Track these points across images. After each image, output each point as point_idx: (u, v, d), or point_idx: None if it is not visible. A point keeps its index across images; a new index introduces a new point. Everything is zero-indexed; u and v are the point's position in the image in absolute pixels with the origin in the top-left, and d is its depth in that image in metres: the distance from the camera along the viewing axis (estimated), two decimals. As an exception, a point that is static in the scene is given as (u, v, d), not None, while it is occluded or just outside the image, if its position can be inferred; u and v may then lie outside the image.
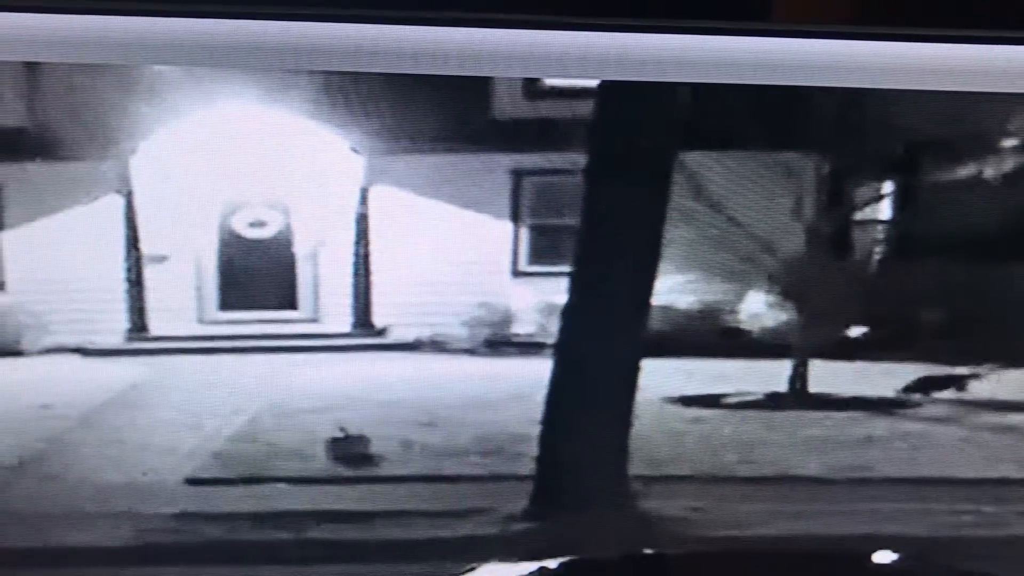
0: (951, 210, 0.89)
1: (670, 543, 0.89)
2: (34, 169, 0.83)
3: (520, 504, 0.89)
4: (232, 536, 0.88)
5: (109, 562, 0.87)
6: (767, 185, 0.88)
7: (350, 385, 0.90)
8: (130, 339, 0.88)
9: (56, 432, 0.88)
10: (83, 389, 0.88)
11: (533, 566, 0.85)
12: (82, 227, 0.85)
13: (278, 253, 0.89)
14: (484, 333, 0.90)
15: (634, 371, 0.88)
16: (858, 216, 0.91)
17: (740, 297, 0.91)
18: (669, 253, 0.87)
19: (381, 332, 0.90)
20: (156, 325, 0.88)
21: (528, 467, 0.89)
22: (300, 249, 0.89)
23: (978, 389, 0.92)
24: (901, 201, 0.90)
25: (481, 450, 0.89)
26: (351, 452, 0.89)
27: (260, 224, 0.89)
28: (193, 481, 0.88)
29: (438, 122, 0.82)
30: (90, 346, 0.88)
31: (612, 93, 0.81)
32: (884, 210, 0.91)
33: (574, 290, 0.87)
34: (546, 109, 0.84)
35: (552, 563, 0.86)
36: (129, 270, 0.86)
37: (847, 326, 0.91)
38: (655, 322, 0.88)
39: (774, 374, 0.91)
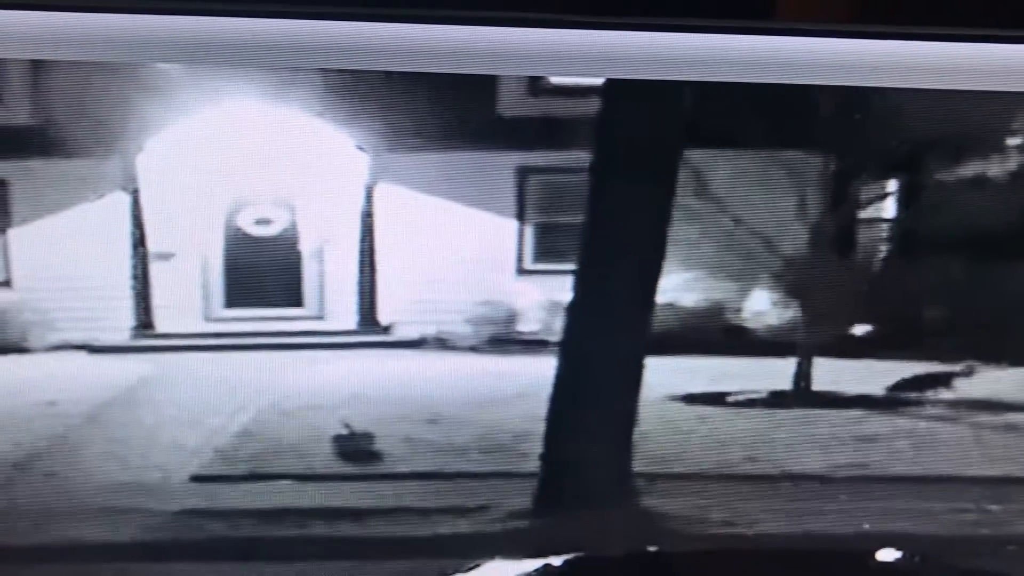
0: (956, 208, 0.89)
1: (674, 541, 0.89)
2: (40, 166, 0.83)
3: (524, 502, 0.89)
4: (237, 533, 0.88)
5: (114, 558, 0.87)
6: (771, 183, 0.88)
7: (355, 382, 0.90)
8: (136, 336, 0.88)
9: (61, 429, 0.88)
10: (89, 386, 0.88)
11: (537, 564, 0.85)
12: (88, 224, 0.85)
13: (283, 251, 0.89)
14: (489, 331, 0.90)
15: (638, 369, 0.88)
16: (862, 214, 0.91)
17: (744, 295, 0.91)
18: (673, 251, 0.87)
19: (386, 330, 0.90)
20: (162, 322, 0.88)
21: (532, 465, 0.89)
22: (305, 247, 0.89)
23: (982, 388, 0.92)
24: (905, 199, 0.90)
25: (485, 447, 0.89)
26: (355, 449, 0.89)
27: (266, 222, 0.89)
28: (198, 478, 0.88)
29: (443, 120, 0.83)
30: (96, 343, 0.88)
31: (617, 91, 0.81)
32: (888, 208, 0.91)
33: (578, 288, 0.87)
34: (551, 107, 0.84)
35: (556, 561, 0.86)
36: (135, 267, 0.86)
37: (851, 324, 0.91)
38: (659, 320, 0.89)
39: (778, 372, 0.91)
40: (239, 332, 0.89)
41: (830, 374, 0.91)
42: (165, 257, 0.87)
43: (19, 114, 0.81)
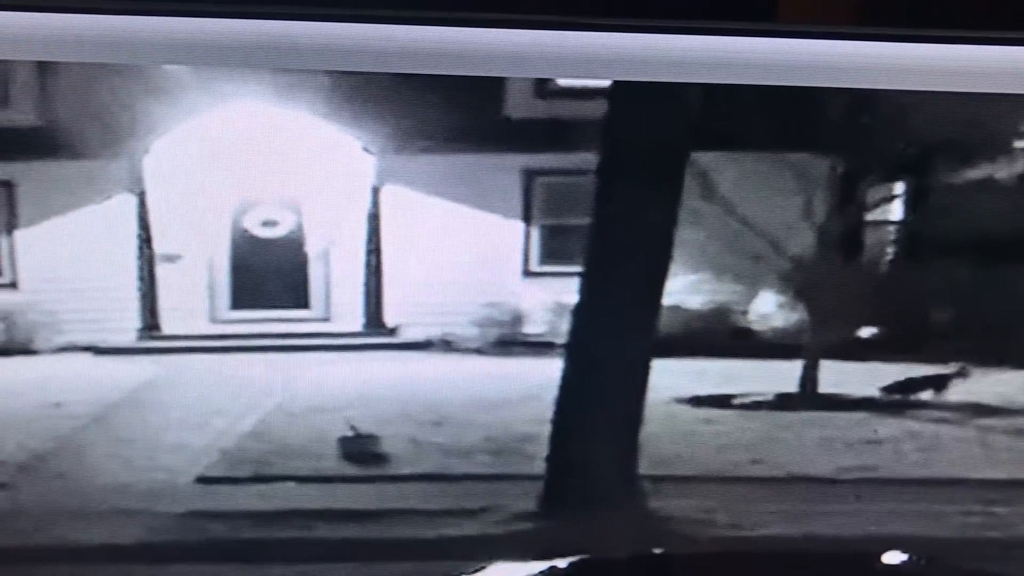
0: (962, 211, 0.89)
1: (679, 543, 0.89)
2: (47, 168, 0.83)
3: (529, 504, 0.89)
4: (242, 534, 0.88)
5: (120, 560, 0.87)
6: (778, 186, 0.88)
7: (361, 384, 0.90)
8: (142, 338, 0.88)
9: (68, 430, 0.88)
10: (95, 388, 0.88)
11: (542, 566, 0.85)
12: (95, 226, 0.85)
13: (290, 252, 0.89)
14: (494, 333, 0.90)
15: (644, 371, 0.88)
16: (869, 216, 0.91)
17: (751, 297, 0.91)
18: (680, 253, 0.87)
19: (392, 331, 0.90)
20: (168, 324, 0.88)
21: (538, 467, 0.89)
22: (312, 248, 0.89)
23: (989, 390, 0.91)
24: (913, 201, 0.90)
25: (490, 449, 0.89)
26: (361, 451, 0.89)
27: (272, 223, 0.89)
28: (204, 480, 0.88)
29: (450, 122, 0.83)
30: (102, 345, 0.88)
31: (624, 93, 0.81)
32: (895, 210, 0.91)
33: (585, 290, 0.87)
34: (558, 109, 0.84)
35: (561, 563, 0.86)
36: (141, 269, 0.87)
37: (858, 327, 0.91)
38: (666, 322, 0.89)
39: (785, 375, 0.91)
40: (245, 334, 0.89)
41: (836, 376, 0.91)
42: (171, 259, 0.87)
43: (26, 116, 0.82)
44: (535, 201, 0.88)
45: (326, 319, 0.90)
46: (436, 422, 0.89)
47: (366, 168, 0.85)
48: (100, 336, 0.88)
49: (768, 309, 0.91)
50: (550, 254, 0.89)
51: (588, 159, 0.85)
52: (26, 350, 0.86)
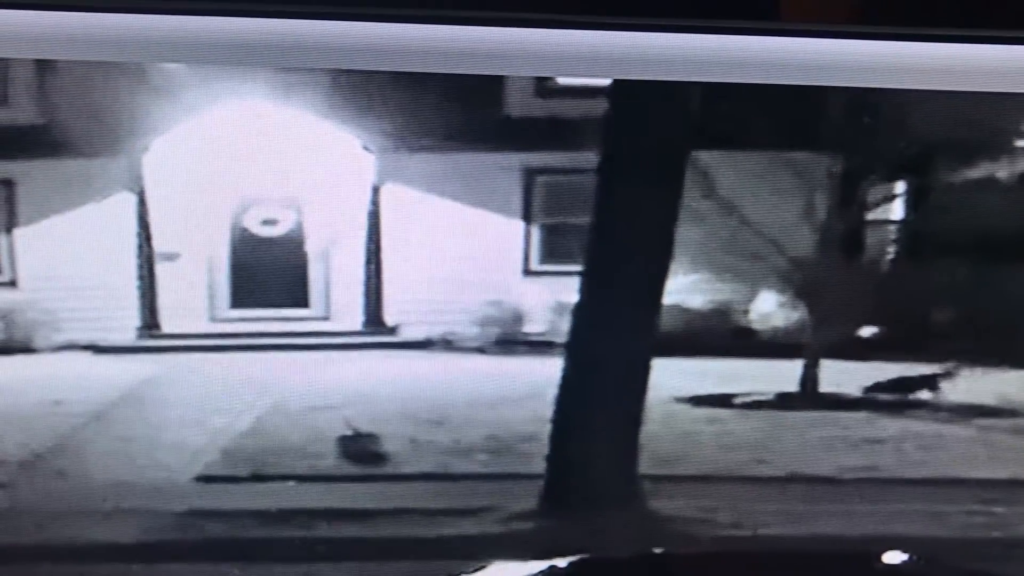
0: (964, 210, 0.89)
1: (680, 543, 0.89)
2: (46, 167, 0.83)
3: (530, 503, 0.89)
4: (242, 533, 0.88)
5: (119, 559, 0.87)
6: (779, 185, 0.87)
7: (360, 383, 0.90)
8: (141, 337, 0.88)
9: (67, 429, 0.88)
10: (94, 386, 0.88)
11: (542, 565, 0.85)
12: (94, 225, 0.85)
13: (290, 251, 0.89)
14: (495, 332, 0.89)
15: (645, 370, 0.88)
16: (870, 216, 0.91)
17: (752, 297, 0.91)
18: (680, 252, 0.87)
19: (392, 330, 0.90)
20: (168, 323, 0.88)
21: (538, 466, 0.89)
22: (312, 247, 0.89)
23: (991, 390, 0.91)
24: (914, 201, 0.90)
25: (491, 449, 0.89)
26: (361, 450, 0.89)
27: (272, 222, 0.89)
28: (203, 478, 0.88)
29: (450, 120, 0.82)
30: (102, 343, 0.88)
31: (624, 92, 0.81)
32: (897, 210, 0.91)
33: (585, 289, 0.87)
34: (558, 108, 0.84)
35: (561, 562, 0.86)
36: (141, 268, 0.86)
37: (859, 326, 0.91)
38: (666, 321, 0.88)
39: (785, 374, 0.91)
40: (245, 333, 0.89)
41: (837, 376, 0.90)
42: (171, 257, 0.87)
43: (25, 114, 0.81)
44: (535, 200, 0.88)
45: (326, 318, 0.90)
46: (436, 421, 0.89)
47: (366, 167, 0.85)
48: (100, 335, 0.88)
49: (769, 308, 0.91)
50: (550, 253, 0.89)
51: (588, 158, 0.85)
52: (25, 348, 0.86)
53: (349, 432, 0.89)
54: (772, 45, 0.77)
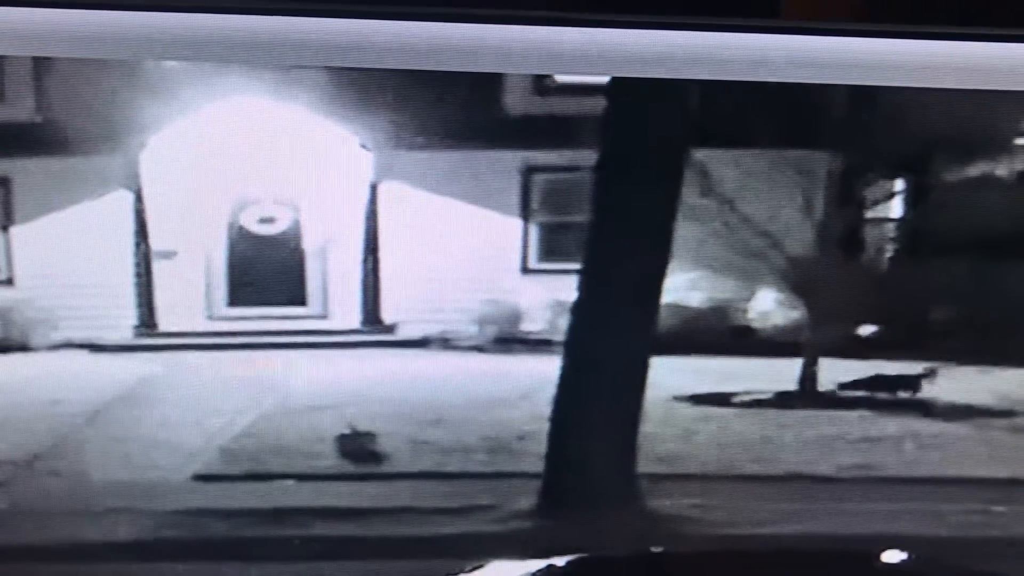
0: (963, 208, 0.89)
1: (678, 542, 0.89)
2: (43, 164, 0.83)
3: (528, 502, 0.89)
4: (239, 532, 0.88)
5: (117, 558, 0.87)
6: (778, 183, 0.87)
7: (358, 382, 0.89)
8: (139, 335, 0.88)
9: (64, 428, 0.88)
10: (92, 385, 0.88)
11: (540, 564, 0.85)
12: (91, 223, 0.85)
13: (287, 249, 0.89)
14: (493, 330, 0.89)
15: (643, 369, 0.88)
16: (869, 214, 0.91)
17: (750, 295, 0.90)
18: (679, 250, 0.87)
19: (390, 329, 0.90)
20: (165, 321, 0.88)
21: (536, 465, 0.89)
22: (309, 245, 0.89)
23: (989, 388, 0.91)
24: (913, 199, 0.90)
25: (489, 447, 0.89)
26: (359, 449, 0.89)
27: (269, 220, 0.89)
28: (201, 477, 0.88)
29: (448, 118, 0.82)
30: (99, 342, 0.88)
31: (622, 90, 0.81)
32: (896, 208, 0.91)
33: (583, 287, 0.87)
34: (556, 106, 0.84)
35: (559, 561, 0.85)
36: (138, 266, 0.86)
37: (858, 325, 0.91)
38: (665, 320, 0.88)
39: (784, 373, 0.90)
40: (242, 331, 0.88)
41: (836, 374, 0.90)
42: (168, 255, 0.87)
43: (22, 111, 0.81)
44: (533, 198, 0.88)
45: (323, 316, 0.90)
46: (434, 420, 0.89)
47: (364, 165, 0.85)
48: (97, 333, 0.88)
49: (767, 307, 0.91)
50: (549, 251, 0.89)
51: (587, 156, 0.85)
52: (23, 347, 0.86)
53: (347, 431, 0.89)
54: (771, 43, 0.77)
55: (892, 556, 0.87)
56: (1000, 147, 0.88)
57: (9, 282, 0.85)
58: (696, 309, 0.90)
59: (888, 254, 0.92)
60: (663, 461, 0.89)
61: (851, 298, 0.91)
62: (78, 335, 0.87)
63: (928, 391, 0.91)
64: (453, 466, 0.88)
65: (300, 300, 0.90)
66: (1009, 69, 0.78)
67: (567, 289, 0.87)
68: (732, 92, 0.78)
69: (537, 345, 0.89)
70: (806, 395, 0.90)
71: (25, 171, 0.84)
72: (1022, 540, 0.90)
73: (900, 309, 0.91)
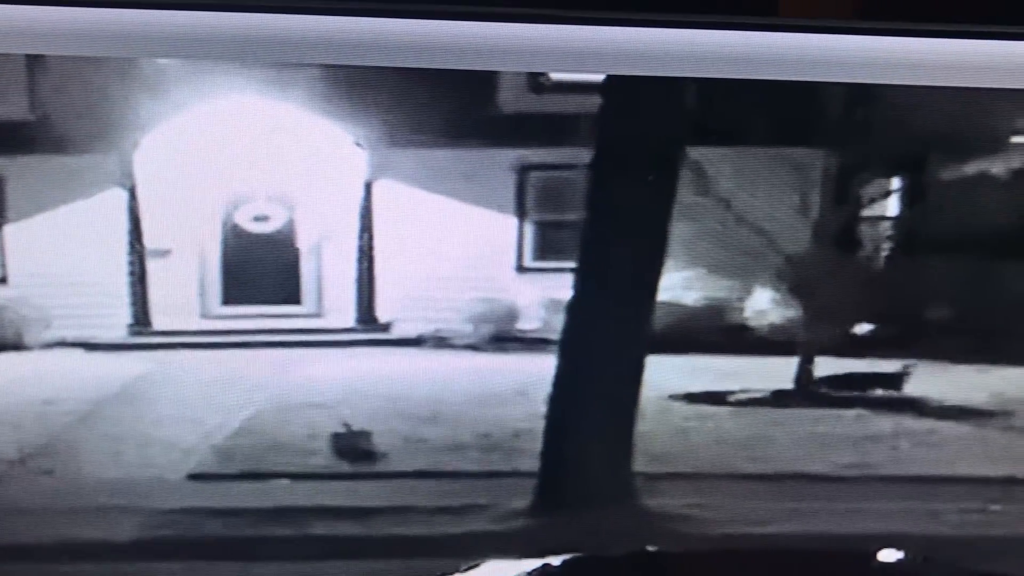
0: (959, 207, 0.89)
1: (674, 541, 0.89)
2: (36, 162, 0.83)
3: (523, 501, 0.89)
4: (234, 532, 0.88)
5: (111, 557, 0.87)
6: (774, 181, 0.87)
7: (353, 380, 0.89)
8: (132, 334, 0.88)
9: (58, 427, 0.88)
10: (85, 384, 0.88)
11: (536, 563, 0.85)
12: (85, 221, 0.84)
13: (281, 248, 0.89)
14: (488, 329, 0.89)
15: (639, 368, 0.88)
16: (866, 212, 0.91)
17: (746, 294, 0.90)
18: (675, 249, 0.87)
19: (385, 327, 0.90)
20: (159, 320, 0.88)
21: (531, 464, 0.89)
22: (304, 244, 0.89)
23: (986, 387, 0.91)
24: (909, 197, 0.90)
25: (484, 446, 0.89)
26: (354, 447, 0.89)
27: (264, 219, 0.88)
28: (195, 476, 0.88)
29: (443, 116, 0.82)
30: (92, 340, 0.88)
31: (618, 87, 0.81)
32: (892, 206, 0.91)
33: (579, 286, 0.87)
34: (551, 104, 0.84)
35: (555, 560, 0.85)
36: (132, 264, 0.86)
37: (854, 323, 0.91)
38: (660, 318, 0.88)
39: (780, 371, 0.90)
40: (236, 330, 0.88)
41: (832, 373, 0.90)
42: (162, 254, 0.87)
43: (15, 109, 0.81)
44: (529, 196, 0.88)
45: (318, 315, 0.90)
46: (429, 418, 0.89)
47: (358, 163, 0.85)
48: (90, 332, 0.87)
49: (763, 305, 0.91)
50: (544, 249, 0.89)
51: (582, 154, 0.85)
52: (16, 346, 0.86)
53: (342, 429, 0.89)
54: (768, 41, 0.77)
55: (888, 555, 0.87)
56: (996, 145, 0.88)
57: (2, 280, 0.85)
58: (692, 307, 0.89)
59: (884, 252, 0.91)
60: (659, 460, 0.89)
61: (847, 296, 0.91)
62: (72, 333, 0.87)
63: (924, 390, 0.91)
64: (448, 465, 0.88)
65: (295, 298, 0.89)
66: (1006, 67, 0.78)
67: (562, 287, 0.87)
68: (728, 90, 0.78)
69: (532, 344, 0.89)
70: (802, 394, 0.90)
71: (18, 169, 0.84)
72: (1020, 539, 0.90)
73: (896, 307, 0.91)
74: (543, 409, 0.88)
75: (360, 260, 0.88)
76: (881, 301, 0.91)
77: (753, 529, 0.89)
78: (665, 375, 0.89)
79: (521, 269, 0.89)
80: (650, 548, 0.88)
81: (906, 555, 0.87)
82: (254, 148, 0.83)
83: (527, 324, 0.90)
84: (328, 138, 0.83)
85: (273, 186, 0.87)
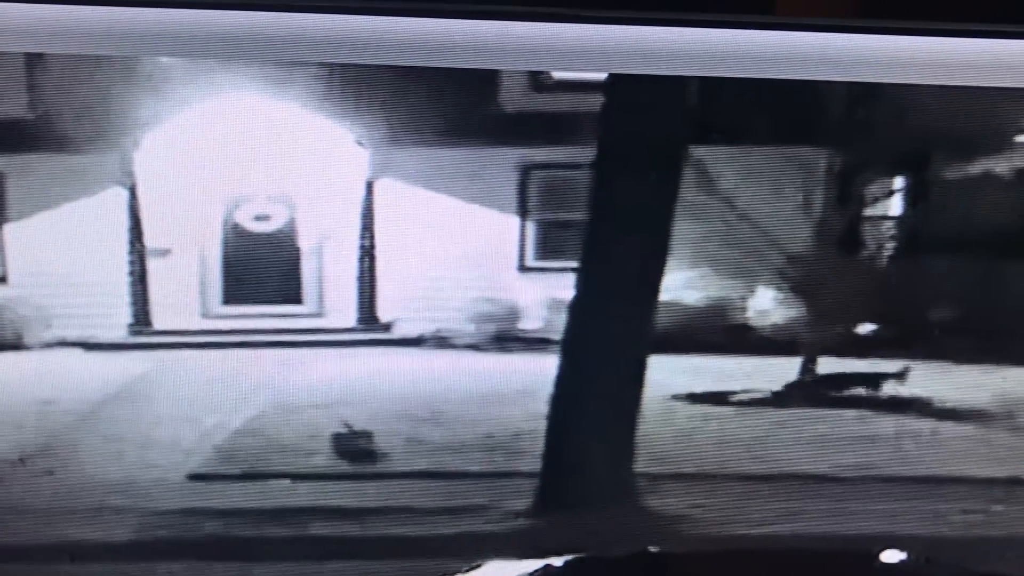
0: (963, 206, 0.89)
1: (676, 541, 0.89)
2: (37, 161, 0.83)
3: (525, 501, 0.89)
4: (234, 532, 0.87)
5: (111, 557, 0.87)
6: (776, 180, 0.87)
7: (354, 380, 0.89)
8: (133, 333, 0.88)
9: (58, 427, 0.87)
10: (85, 384, 0.88)
11: (537, 563, 0.85)
12: (85, 220, 0.84)
13: (282, 247, 0.89)
14: (490, 328, 0.89)
15: (641, 367, 0.88)
16: (868, 212, 0.90)
17: (749, 293, 0.90)
18: (677, 249, 0.87)
19: (386, 327, 0.90)
20: (159, 319, 0.88)
21: (533, 464, 0.89)
22: (305, 243, 0.89)
23: (989, 387, 0.91)
24: (912, 197, 0.90)
25: (486, 446, 0.88)
26: (355, 448, 0.89)
27: (264, 218, 0.88)
28: (196, 476, 0.88)
29: (444, 115, 0.82)
30: (93, 340, 0.88)
31: (620, 86, 0.81)
32: (895, 206, 0.91)
33: (581, 285, 0.87)
34: (553, 102, 0.84)
35: (556, 561, 0.85)
36: (132, 263, 0.86)
37: (857, 323, 0.91)
38: (662, 318, 0.88)
39: (782, 371, 0.90)
40: (237, 329, 0.88)
41: (835, 373, 0.90)
42: (162, 253, 0.87)
43: (15, 108, 0.81)
44: (531, 195, 0.88)
45: (319, 314, 0.90)
46: (431, 419, 0.89)
47: (359, 162, 0.85)
48: (91, 331, 0.87)
49: (766, 305, 0.91)
50: (546, 249, 0.89)
51: (584, 153, 0.84)
52: (16, 346, 0.86)
53: (343, 430, 0.88)
54: (769, 39, 0.77)
55: (891, 556, 0.87)
56: (1000, 145, 0.88)
57: (2, 279, 0.85)
58: (694, 307, 0.89)
59: (887, 252, 0.91)
60: (661, 460, 0.89)
61: (850, 296, 0.91)
62: (72, 333, 0.87)
63: (927, 390, 0.91)
64: (450, 465, 0.88)
65: (295, 298, 0.89)
66: (1008, 66, 0.78)
67: (565, 287, 0.87)
68: (730, 89, 0.78)
69: (534, 343, 0.89)
70: (805, 394, 0.90)
71: (18, 168, 0.83)
72: (1022, 540, 0.90)
73: (899, 307, 0.91)
74: (545, 409, 0.88)
75: (361, 259, 0.88)
76: (884, 301, 0.91)
77: (755, 529, 0.89)
78: (667, 375, 0.89)
79: (523, 269, 0.89)
80: (652, 549, 0.88)
81: (909, 556, 0.87)
82: (255, 147, 0.83)
83: (529, 324, 0.89)
84: (329, 137, 0.83)
85: (274, 185, 0.87)
